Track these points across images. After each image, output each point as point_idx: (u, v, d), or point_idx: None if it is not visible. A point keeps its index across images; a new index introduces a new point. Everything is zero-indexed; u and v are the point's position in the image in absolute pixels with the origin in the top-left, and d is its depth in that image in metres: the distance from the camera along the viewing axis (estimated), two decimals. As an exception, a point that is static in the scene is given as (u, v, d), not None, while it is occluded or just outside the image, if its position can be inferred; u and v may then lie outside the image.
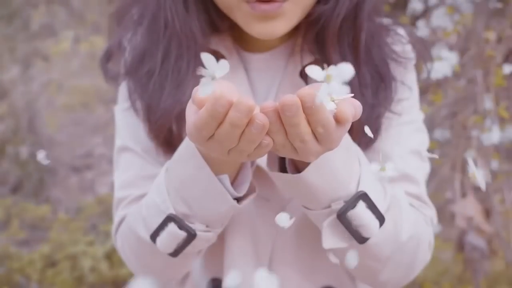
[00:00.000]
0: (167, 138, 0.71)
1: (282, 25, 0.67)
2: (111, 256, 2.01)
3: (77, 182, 2.68)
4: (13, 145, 2.74)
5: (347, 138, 0.63)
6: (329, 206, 0.63)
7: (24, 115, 2.78)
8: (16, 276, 2.01)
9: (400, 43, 0.75)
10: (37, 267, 2.01)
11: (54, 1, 2.94)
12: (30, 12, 2.93)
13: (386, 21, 0.77)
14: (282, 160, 0.65)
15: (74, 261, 2.03)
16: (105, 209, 2.26)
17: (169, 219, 0.65)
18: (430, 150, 0.77)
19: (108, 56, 0.80)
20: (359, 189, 0.62)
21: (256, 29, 0.68)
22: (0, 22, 2.87)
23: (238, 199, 0.65)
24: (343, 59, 0.70)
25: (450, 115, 1.41)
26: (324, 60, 0.71)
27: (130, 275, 1.87)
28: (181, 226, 0.64)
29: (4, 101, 2.85)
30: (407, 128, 0.75)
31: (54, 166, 2.71)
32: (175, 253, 0.67)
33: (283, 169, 0.64)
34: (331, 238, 0.64)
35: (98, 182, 2.64)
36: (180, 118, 0.69)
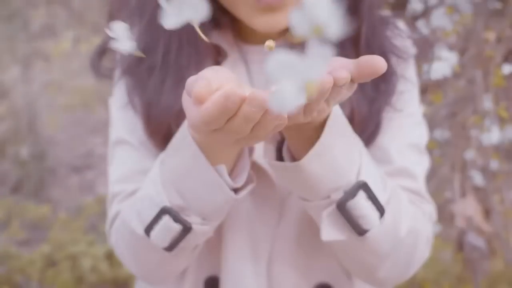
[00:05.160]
0: (166, 136, 0.71)
1: (285, 18, 0.67)
2: (111, 256, 2.02)
3: (77, 182, 2.68)
4: (13, 145, 2.74)
5: (348, 127, 0.63)
6: (328, 197, 0.62)
7: (24, 115, 2.78)
8: (16, 276, 2.01)
9: (400, 37, 0.75)
10: (37, 267, 2.01)
11: (54, 1, 2.94)
12: (30, 12, 2.93)
13: (385, 14, 0.77)
14: (279, 152, 0.64)
15: (74, 261, 2.04)
16: (105, 209, 2.26)
17: (164, 211, 0.63)
18: (429, 149, 0.77)
19: (101, 52, 0.80)
20: (359, 179, 0.62)
21: (260, 22, 0.68)
22: (0, 22, 2.87)
23: (236, 191, 0.64)
24: (343, 51, 0.70)
25: (449, 115, 1.41)
26: None
27: (130, 275, 1.87)
28: (176, 219, 0.63)
29: (4, 101, 2.85)
30: (406, 122, 0.75)
31: (54, 166, 2.72)
32: (170, 247, 0.65)
33: (280, 161, 0.64)
34: (330, 230, 0.63)
35: (98, 182, 2.64)
36: (180, 114, 0.68)
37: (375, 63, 0.48)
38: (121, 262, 0.77)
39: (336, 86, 0.47)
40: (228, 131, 0.50)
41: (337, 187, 0.62)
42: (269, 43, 0.49)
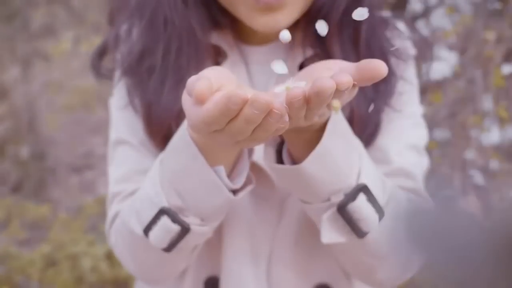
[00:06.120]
0: (166, 136, 0.71)
1: (285, 17, 0.67)
2: (111, 256, 2.02)
3: (77, 182, 2.68)
4: (13, 145, 2.74)
5: (348, 130, 0.63)
6: (329, 199, 0.62)
7: (24, 115, 2.78)
8: (16, 276, 2.01)
9: (400, 38, 0.75)
10: (37, 267, 2.01)
11: (54, 1, 2.94)
12: (30, 12, 2.93)
13: (385, 14, 0.77)
14: (278, 154, 0.64)
15: (74, 261, 2.04)
16: (105, 209, 2.26)
17: (162, 212, 0.63)
18: (429, 149, 0.77)
19: (101, 52, 0.80)
20: (360, 181, 0.62)
21: (260, 22, 0.67)
22: (0, 22, 2.87)
23: (235, 192, 0.63)
24: (344, 51, 0.70)
25: (449, 115, 1.41)
26: (324, 53, 0.71)
27: (130, 275, 1.87)
28: (175, 219, 0.63)
29: (4, 101, 2.85)
30: (406, 123, 0.75)
31: (54, 166, 2.72)
32: (169, 248, 0.65)
33: (279, 163, 0.63)
34: (331, 233, 0.63)
35: (98, 182, 2.64)
36: (180, 115, 0.68)
37: (376, 67, 0.48)
38: (121, 262, 0.77)
39: (338, 90, 0.47)
40: (228, 132, 0.49)
41: (338, 189, 0.61)
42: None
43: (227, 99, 0.46)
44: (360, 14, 0.51)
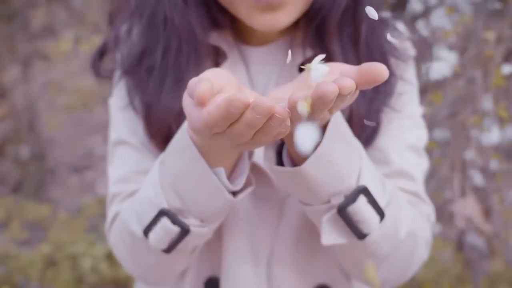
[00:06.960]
0: (166, 136, 0.71)
1: (284, 17, 0.68)
2: (111, 256, 2.01)
3: (77, 182, 2.68)
4: (13, 145, 2.75)
5: (348, 132, 0.63)
6: (329, 201, 0.62)
7: (24, 115, 2.78)
8: (16, 276, 2.01)
9: (399, 39, 0.75)
10: (37, 267, 2.01)
11: (54, 1, 2.94)
12: (30, 12, 2.93)
13: (385, 15, 0.77)
14: (279, 156, 0.64)
15: (74, 261, 2.04)
16: (105, 209, 2.26)
17: (162, 213, 0.63)
18: (429, 149, 0.76)
19: (101, 53, 0.80)
20: (360, 183, 0.62)
21: (259, 21, 0.68)
22: (0, 22, 2.87)
23: (234, 193, 0.64)
24: (343, 51, 0.70)
25: (449, 115, 1.41)
26: (324, 53, 0.71)
27: (131, 276, 1.87)
28: (174, 221, 0.63)
29: (4, 101, 2.85)
30: (405, 123, 0.75)
31: (54, 166, 2.72)
32: (169, 249, 0.66)
33: (279, 165, 0.64)
34: (331, 234, 0.64)
35: (98, 182, 2.64)
36: (180, 115, 0.68)
37: (377, 70, 0.48)
38: (120, 263, 0.77)
39: (340, 95, 0.47)
40: (229, 135, 0.50)
41: (338, 191, 0.62)
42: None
43: (229, 103, 0.46)
44: (369, 10, 0.51)
